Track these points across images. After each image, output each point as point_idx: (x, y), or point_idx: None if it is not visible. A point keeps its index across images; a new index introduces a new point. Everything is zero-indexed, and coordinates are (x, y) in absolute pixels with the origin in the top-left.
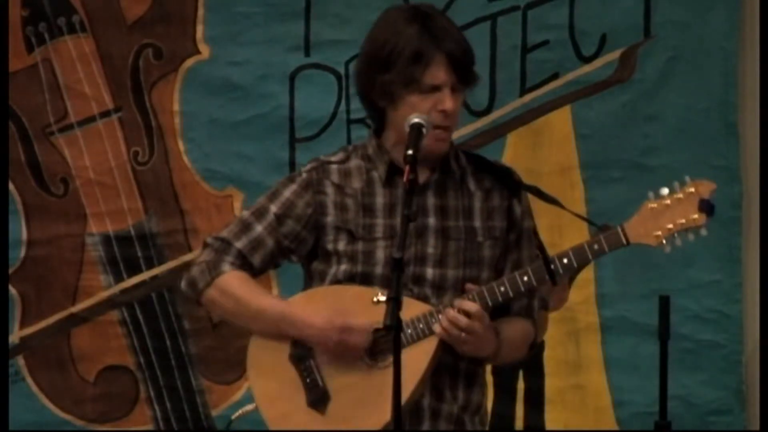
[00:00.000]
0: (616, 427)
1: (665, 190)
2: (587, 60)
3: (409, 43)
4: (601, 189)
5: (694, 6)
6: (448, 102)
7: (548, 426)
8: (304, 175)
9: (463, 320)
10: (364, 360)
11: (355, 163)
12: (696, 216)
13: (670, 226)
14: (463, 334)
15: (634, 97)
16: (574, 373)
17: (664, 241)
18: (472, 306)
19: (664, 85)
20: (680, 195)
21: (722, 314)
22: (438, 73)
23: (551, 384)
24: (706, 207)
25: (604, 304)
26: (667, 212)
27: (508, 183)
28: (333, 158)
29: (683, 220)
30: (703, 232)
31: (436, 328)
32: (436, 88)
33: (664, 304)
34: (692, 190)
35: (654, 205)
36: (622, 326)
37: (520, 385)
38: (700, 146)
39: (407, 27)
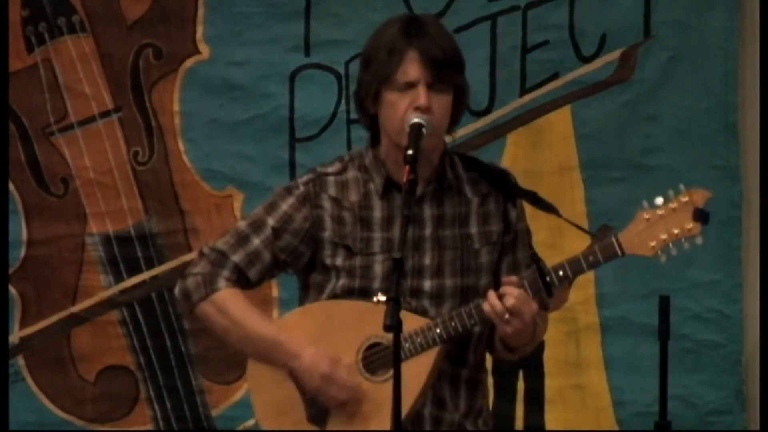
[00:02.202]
0: (616, 427)
1: (660, 200)
2: (587, 60)
3: (386, 41)
4: (601, 189)
5: (694, 6)
6: (421, 97)
7: (548, 426)
8: (302, 188)
9: (511, 300)
10: (362, 375)
11: (352, 174)
12: (690, 225)
13: (665, 236)
14: (507, 315)
15: (634, 97)
16: (574, 373)
17: (659, 252)
18: (515, 290)
19: (664, 85)
20: (674, 204)
21: (722, 314)
22: (410, 69)
23: (551, 384)
24: (701, 216)
25: (604, 304)
26: (662, 222)
27: (504, 187)
28: (330, 169)
29: (678, 230)
30: (698, 240)
31: (485, 306)
32: (411, 85)
33: (664, 304)
34: (686, 199)
35: (648, 215)
36: (622, 326)
37: (520, 385)
38: (700, 146)
39: (390, 28)
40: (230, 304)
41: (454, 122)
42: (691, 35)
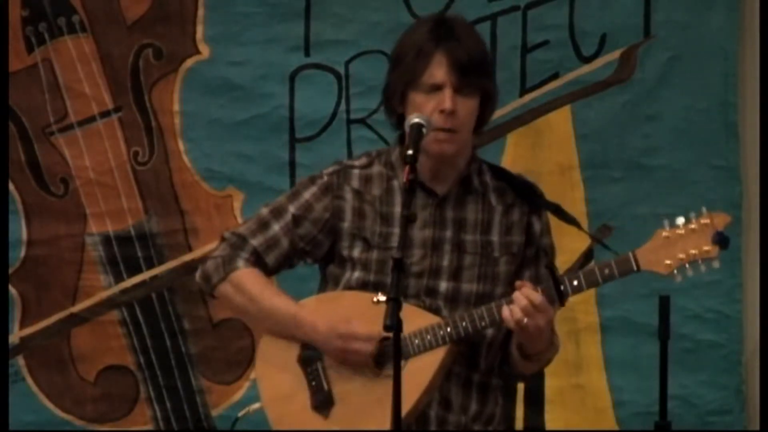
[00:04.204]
0: (616, 427)
1: (681, 220)
2: (587, 60)
3: (415, 42)
4: (601, 189)
5: (694, 6)
6: (447, 101)
7: (548, 426)
8: (325, 178)
9: (529, 304)
10: (370, 367)
11: (377, 169)
12: (708, 248)
13: (682, 256)
14: (526, 319)
15: (634, 97)
16: (574, 373)
17: (675, 271)
18: (537, 297)
19: (664, 85)
20: (694, 225)
21: (722, 314)
22: (437, 72)
23: (551, 384)
24: (721, 240)
25: (604, 304)
26: (680, 242)
27: (529, 199)
28: (356, 162)
29: (695, 251)
30: (716, 264)
31: (504, 311)
32: (437, 88)
33: (664, 304)
34: (707, 221)
35: (667, 233)
36: (622, 326)
37: (520, 385)
38: (700, 146)
39: (421, 27)
40: (247, 282)
41: (480, 125)
42: (691, 35)
